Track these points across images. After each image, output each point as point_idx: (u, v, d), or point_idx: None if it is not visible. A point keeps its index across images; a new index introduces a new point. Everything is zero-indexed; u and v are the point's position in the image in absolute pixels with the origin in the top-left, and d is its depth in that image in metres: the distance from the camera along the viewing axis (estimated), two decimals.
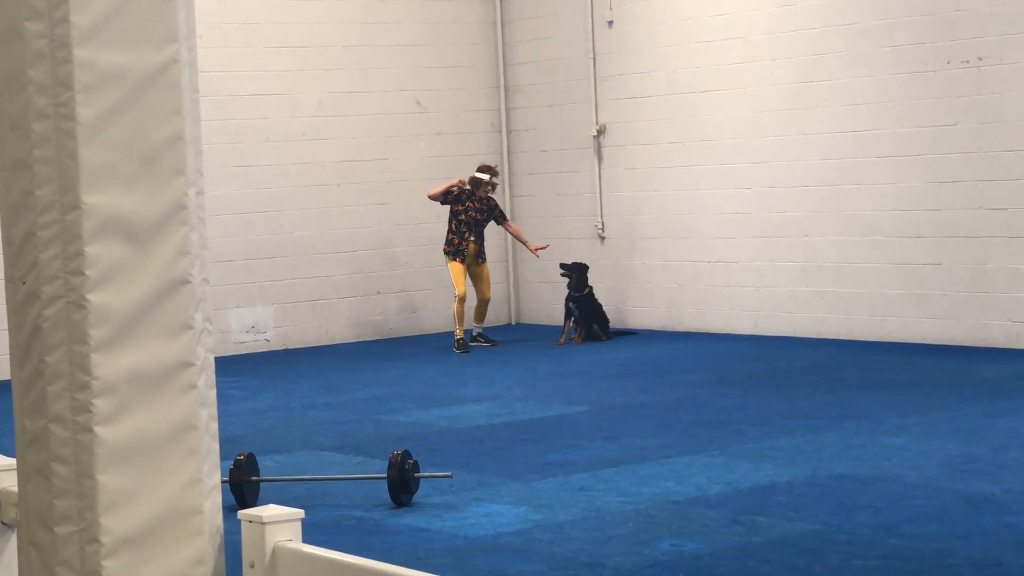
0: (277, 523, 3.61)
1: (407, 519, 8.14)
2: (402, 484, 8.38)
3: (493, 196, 15.50)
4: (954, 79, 13.55)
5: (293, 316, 16.19)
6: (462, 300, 15.12)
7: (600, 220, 16.58)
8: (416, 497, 8.51)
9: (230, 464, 8.45)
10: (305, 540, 7.86)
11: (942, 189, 13.75)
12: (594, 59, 16.49)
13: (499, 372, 13.66)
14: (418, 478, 8.48)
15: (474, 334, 15.47)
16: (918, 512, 7.75)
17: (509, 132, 17.43)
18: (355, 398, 12.51)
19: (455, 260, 15.20)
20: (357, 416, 11.60)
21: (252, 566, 3.62)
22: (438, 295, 16.95)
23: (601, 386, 12.55)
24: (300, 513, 3.65)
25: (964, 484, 8.32)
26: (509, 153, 17.44)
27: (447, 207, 15.47)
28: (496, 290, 17.43)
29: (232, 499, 8.31)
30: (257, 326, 15.96)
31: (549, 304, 17.11)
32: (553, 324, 16.72)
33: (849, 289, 14.52)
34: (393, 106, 16.71)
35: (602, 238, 16.60)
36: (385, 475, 8.46)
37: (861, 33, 14.18)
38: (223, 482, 8.15)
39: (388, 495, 8.46)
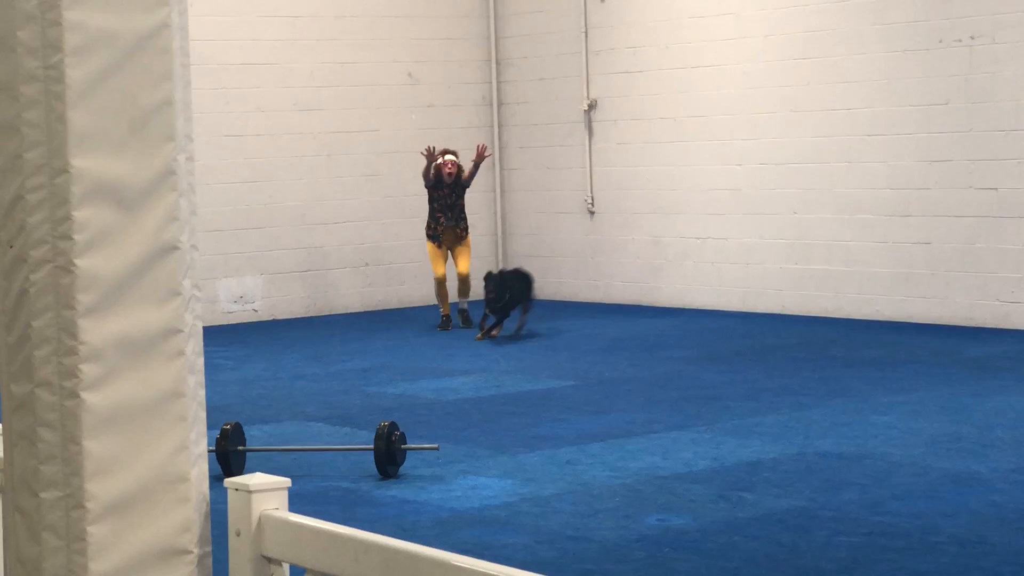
0: (263, 491, 3.59)
1: (393, 491, 8.14)
2: (389, 456, 8.37)
3: (461, 169, 15.06)
4: (946, 58, 13.54)
5: (282, 287, 16.16)
6: (441, 282, 14.89)
7: (590, 195, 16.56)
8: (403, 469, 8.51)
9: (217, 433, 8.43)
10: (291, 510, 7.86)
11: (932, 168, 13.75)
12: (586, 33, 16.45)
13: (487, 345, 13.64)
14: (405, 450, 8.47)
15: (458, 308, 15.22)
16: (904, 489, 7.76)
17: (500, 105, 17.39)
18: (343, 369, 12.49)
19: (433, 242, 14.98)
20: (344, 387, 11.59)
21: (238, 534, 3.60)
22: (427, 268, 16.92)
23: (589, 360, 12.55)
24: (287, 482, 3.63)
25: (950, 462, 8.33)
26: (500, 126, 17.40)
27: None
28: (485, 264, 17.39)
29: (218, 468, 8.30)
30: (245, 296, 15.93)
31: (538, 278, 17.05)
32: (542, 298, 16.70)
33: (838, 267, 14.52)
34: (384, 77, 16.67)
35: (592, 213, 16.59)
36: (372, 446, 8.45)
37: (854, 10, 14.15)
38: (209, 451, 8.18)
39: (375, 466, 8.46)
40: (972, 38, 13.35)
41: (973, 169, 13.46)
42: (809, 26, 14.49)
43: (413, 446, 8.58)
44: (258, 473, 3.69)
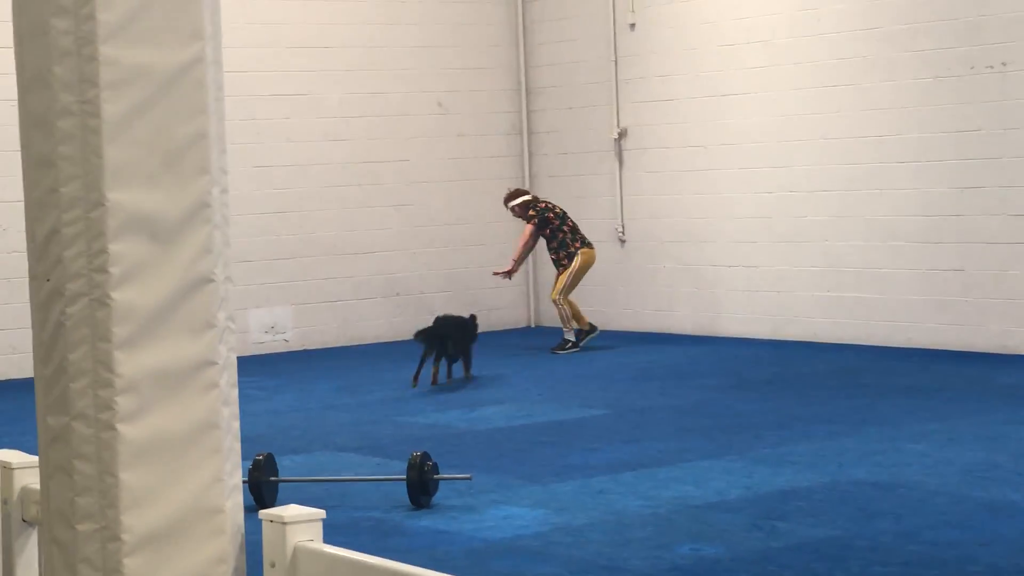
0: (298, 523, 3.60)
1: (426, 521, 8.13)
2: (421, 486, 8.36)
3: (521, 217, 15.36)
4: (978, 84, 13.51)
5: (312, 317, 16.19)
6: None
7: (621, 223, 16.56)
8: (435, 499, 8.50)
9: (249, 464, 8.45)
10: (324, 541, 7.85)
11: (964, 195, 13.71)
12: (615, 62, 16.47)
13: (518, 374, 13.64)
14: (437, 480, 8.46)
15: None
16: (939, 519, 7.72)
17: (530, 134, 17.42)
18: (374, 399, 12.50)
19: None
20: (376, 417, 11.60)
21: (273, 566, 3.61)
22: (456, 297, 16.94)
23: (620, 389, 12.53)
24: (321, 513, 3.64)
25: (985, 491, 8.29)
26: (530, 155, 17.42)
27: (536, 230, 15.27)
28: (515, 292, 17.42)
29: (251, 499, 8.30)
30: (276, 326, 15.96)
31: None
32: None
33: (870, 294, 14.48)
34: (413, 107, 16.72)
35: (622, 241, 16.58)
36: (404, 476, 8.45)
37: (884, 37, 14.14)
38: (242, 482, 8.19)
39: (407, 496, 8.45)
40: (1004, 64, 13.32)
41: (1005, 196, 13.42)
42: (839, 53, 14.48)
43: (446, 476, 8.57)
44: (292, 505, 3.70)
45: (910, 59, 13.95)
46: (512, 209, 15.32)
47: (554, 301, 15.25)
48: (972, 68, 13.53)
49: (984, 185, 13.55)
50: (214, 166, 3.63)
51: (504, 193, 15.61)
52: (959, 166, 13.71)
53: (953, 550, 7.11)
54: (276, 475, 8.57)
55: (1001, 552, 7.06)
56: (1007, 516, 7.71)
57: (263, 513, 3.68)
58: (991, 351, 13.56)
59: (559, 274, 15.25)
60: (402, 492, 8.55)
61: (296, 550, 3.55)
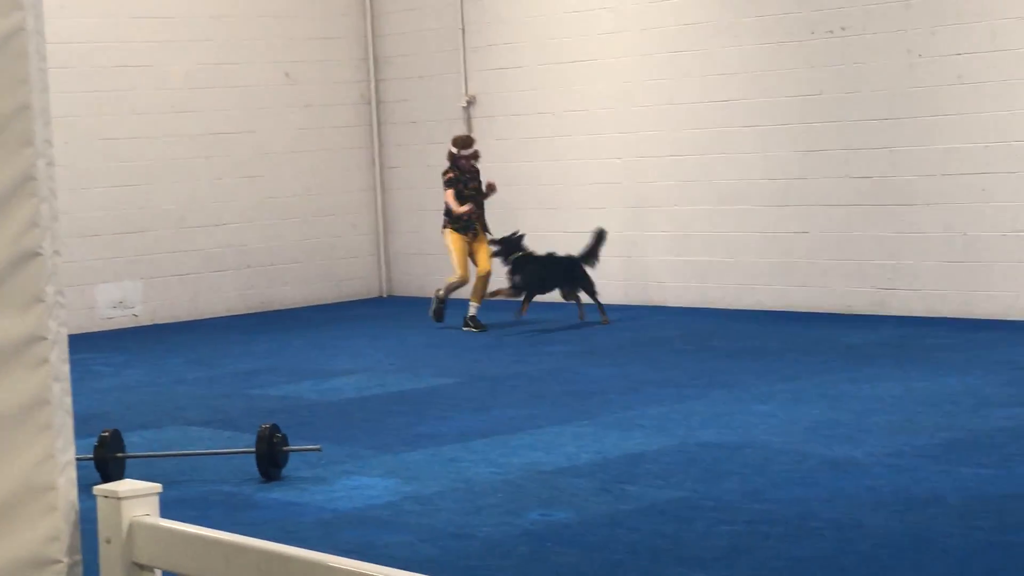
0: (134, 498, 3.56)
1: (276, 493, 8.09)
2: (271, 458, 8.32)
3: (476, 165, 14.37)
4: (818, 49, 13.70)
5: (162, 291, 16.00)
6: (463, 283, 14.16)
7: None
8: (285, 471, 8.46)
9: (95, 441, 8.33)
10: (172, 516, 7.76)
11: (808, 158, 13.91)
12: (463, 30, 16.45)
13: (370, 345, 13.61)
14: (287, 451, 8.42)
15: (468, 316, 14.19)
16: (783, 477, 7.85)
17: (379, 104, 17.34)
18: (225, 372, 12.40)
19: (462, 233, 14.08)
20: (227, 390, 11.51)
21: (108, 542, 3.56)
22: (308, 267, 16.85)
23: (473, 358, 12.56)
24: (157, 487, 3.60)
25: (828, 449, 8.44)
26: (379, 125, 17.35)
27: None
28: (367, 263, 17.37)
29: (99, 477, 8.20)
30: (125, 301, 15.75)
31: (420, 276, 17.08)
32: (424, 296, 16.70)
33: (718, 258, 14.65)
34: (261, 78, 16.56)
35: None
36: (254, 449, 8.39)
37: (729, 4, 14.28)
38: (88, 460, 8.07)
39: (257, 469, 8.40)
40: (843, 29, 13.53)
41: (848, 158, 13.64)
42: (685, 19, 14.59)
43: (295, 447, 8.53)
44: (128, 480, 3.65)
45: (754, 24, 14.11)
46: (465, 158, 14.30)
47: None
48: (813, 33, 13.72)
49: (827, 148, 13.77)
50: (38, 138, 3.56)
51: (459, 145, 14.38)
52: (803, 130, 13.91)
53: (796, 507, 7.24)
54: (123, 451, 8.46)
55: (842, 507, 7.19)
56: (848, 472, 7.86)
57: (97, 489, 3.63)
58: (836, 312, 13.80)
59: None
60: (252, 465, 8.49)
61: (132, 525, 3.51)
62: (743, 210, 14.40)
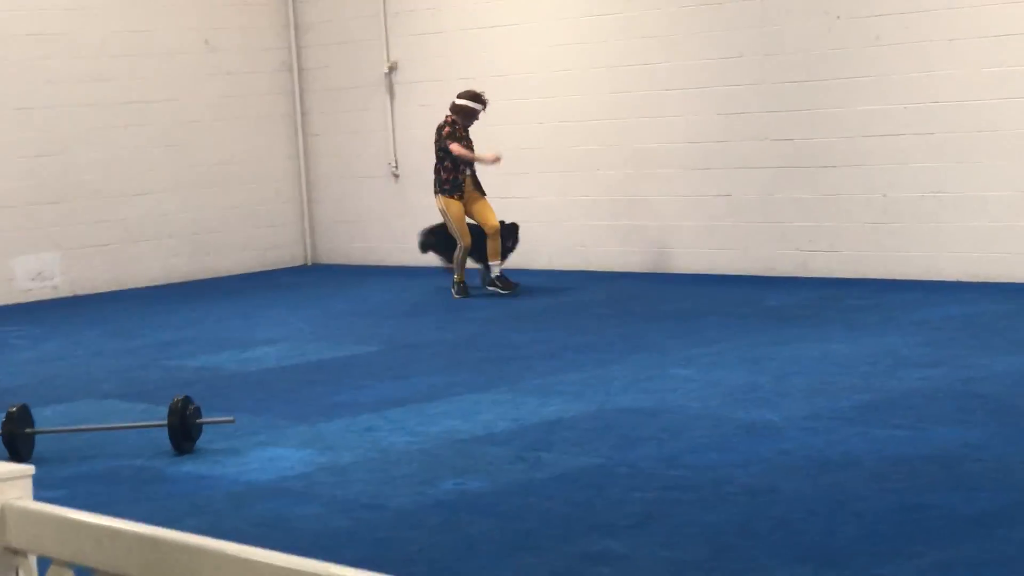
0: (5, 480, 3.45)
1: (188, 466, 7.99)
2: (183, 431, 8.21)
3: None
4: (738, 11, 13.66)
5: (82, 262, 15.80)
6: (467, 251, 13.69)
7: (394, 158, 16.45)
8: (199, 444, 8.36)
9: (2, 417, 8.20)
10: (80, 492, 7.66)
11: (730, 120, 13.89)
12: None
13: (292, 314, 13.50)
14: (200, 424, 8.32)
15: (493, 276, 13.70)
16: (699, 442, 7.82)
17: (300, 70, 17.17)
18: (144, 344, 12.26)
19: (453, 198, 13.60)
20: (144, 362, 11.37)
21: None
22: (231, 236, 16.70)
23: (393, 325, 12.47)
24: (30, 469, 3.49)
25: (745, 412, 8.42)
26: (301, 92, 17.19)
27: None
28: (291, 231, 17.23)
29: (6, 453, 8.07)
30: (43, 273, 15.54)
31: (345, 243, 16.97)
32: (350, 263, 16.60)
33: (641, 221, 14.61)
34: (180, 45, 16.35)
35: (396, 176, 16.48)
36: (165, 422, 8.28)
37: None
38: None
39: (170, 443, 8.29)
40: None
41: (768, 121, 13.62)
42: None
43: (208, 419, 8.42)
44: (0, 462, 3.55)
45: None
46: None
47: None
48: None
49: (748, 111, 13.74)
50: None
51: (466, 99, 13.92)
52: (723, 92, 13.87)
53: (711, 472, 7.21)
54: (32, 427, 8.33)
55: (757, 472, 7.17)
56: (764, 436, 7.84)
57: None
58: (759, 274, 13.80)
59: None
60: (165, 439, 8.38)
61: (3, 509, 3.41)
62: (665, 174, 14.37)
